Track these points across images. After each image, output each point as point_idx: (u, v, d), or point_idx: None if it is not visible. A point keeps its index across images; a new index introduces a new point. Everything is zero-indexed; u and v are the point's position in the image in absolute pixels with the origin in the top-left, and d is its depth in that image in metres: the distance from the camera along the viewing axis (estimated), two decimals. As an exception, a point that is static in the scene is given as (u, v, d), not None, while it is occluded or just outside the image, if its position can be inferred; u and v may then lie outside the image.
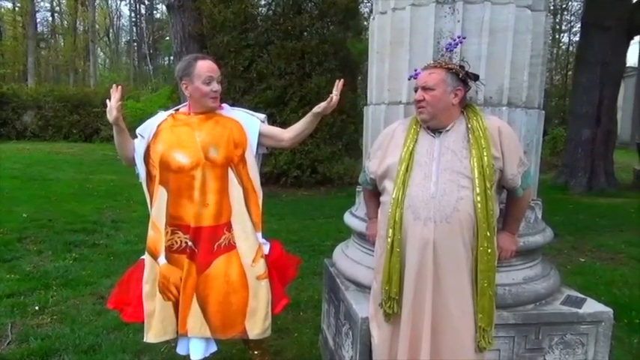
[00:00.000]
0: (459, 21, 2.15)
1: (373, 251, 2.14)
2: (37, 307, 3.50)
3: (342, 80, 2.27)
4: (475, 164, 1.84)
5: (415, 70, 2.05)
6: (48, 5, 34.95)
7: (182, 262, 2.23)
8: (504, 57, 2.18)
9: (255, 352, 2.47)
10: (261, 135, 2.36)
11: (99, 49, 36.14)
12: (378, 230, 2.06)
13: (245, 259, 2.26)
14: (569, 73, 21.38)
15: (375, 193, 2.16)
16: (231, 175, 2.26)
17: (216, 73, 2.26)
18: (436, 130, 1.95)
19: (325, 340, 2.82)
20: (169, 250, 2.24)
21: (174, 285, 2.24)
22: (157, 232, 2.26)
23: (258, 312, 2.26)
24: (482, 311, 1.85)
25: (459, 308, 1.84)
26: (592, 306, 2.26)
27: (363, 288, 2.35)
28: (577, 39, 17.27)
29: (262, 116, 2.44)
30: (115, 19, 38.98)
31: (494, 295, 1.89)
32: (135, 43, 37.86)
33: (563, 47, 25.82)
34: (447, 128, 1.94)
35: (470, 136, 1.89)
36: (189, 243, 2.22)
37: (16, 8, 30.49)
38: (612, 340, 2.27)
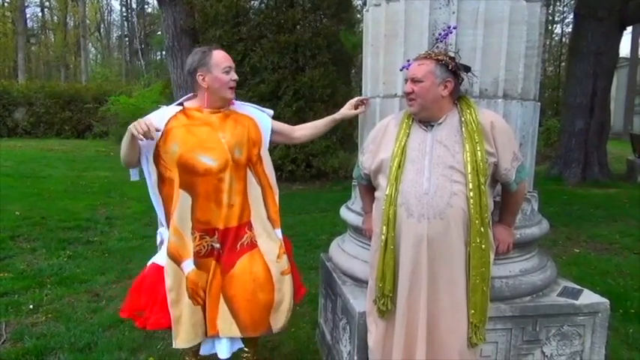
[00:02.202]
0: (454, 12, 2.13)
1: (370, 245, 2.13)
2: (31, 306, 3.48)
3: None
4: (468, 159, 1.81)
5: (408, 61, 2.02)
6: (37, 0, 34.61)
7: (209, 266, 2.19)
8: (500, 48, 2.16)
9: (248, 350, 2.42)
10: (272, 132, 2.34)
11: (90, 44, 35.86)
12: (373, 226, 2.04)
13: (269, 255, 2.24)
14: (562, 64, 21.41)
15: (370, 188, 2.14)
16: (249, 174, 2.23)
17: (232, 62, 2.22)
18: (428, 124, 1.93)
19: (322, 335, 2.82)
20: (197, 255, 2.17)
21: (202, 289, 2.19)
22: (180, 239, 2.17)
23: (282, 306, 2.27)
24: (474, 307, 1.84)
25: (453, 304, 1.83)
26: (588, 297, 2.27)
27: (360, 282, 2.34)
28: (570, 30, 17.31)
29: (271, 112, 2.41)
30: (106, 14, 38.69)
31: (488, 290, 1.87)
32: (126, 38, 37.60)
33: (556, 38, 25.83)
34: (440, 121, 1.91)
35: (463, 129, 1.87)
36: (217, 245, 2.18)
37: (5, 4, 30.21)
38: (608, 331, 2.28)
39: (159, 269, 2.23)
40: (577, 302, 2.21)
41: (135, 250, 4.86)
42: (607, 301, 2.25)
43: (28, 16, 31.63)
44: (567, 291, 2.30)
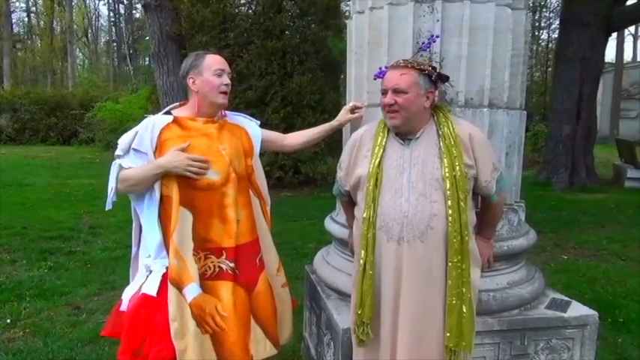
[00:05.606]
0: (438, 20, 2.10)
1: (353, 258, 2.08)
2: (8, 320, 3.38)
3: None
4: (447, 174, 1.74)
5: (380, 69, 1.92)
6: (24, 5, 34.32)
7: (217, 289, 2.00)
8: (485, 57, 2.13)
9: None
10: (262, 140, 2.28)
11: (77, 49, 35.59)
12: (354, 245, 1.97)
13: (269, 270, 2.19)
14: (549, 69, 21.60)
15: (351, 203, 2.06)
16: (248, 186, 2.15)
17: (226, 67, 2.11)
18: (405, 137, 1.84)
19: (307, 349, 2.75)
20: (203, 277, 1.99)
21: (210, 315, 1.98)
22: (181, 261, 1.95)
23: (285, 318, 2.24)
24: (449, 330, 1.74)
25: (434, 328, 1.76)
26: (577, 309, 2.23)
27: (344, 296, 2.29)
28: (556, 36, 17.47)
29: (258, 122, 2.36)
30: (94, 19, 38.47)
31: (470, 311, 1.78)
32: (114, 44, 37.35)
33: (543, 44, 26.09)
34: (417, 135, 1.83)
35: (441, 143, 1.79)
36: (231, 265, 2.01)
37: (-10, 9, 29.79)
38: (597, 341, 2.24)
39: (150, 299, 2.01)
40: (565, 315, 2.17)
41: (119, 260, 4.75)
42: (596, 313, 2.21)
43: (14, 21, 31.38)
44: (555, 303, 2.26)
